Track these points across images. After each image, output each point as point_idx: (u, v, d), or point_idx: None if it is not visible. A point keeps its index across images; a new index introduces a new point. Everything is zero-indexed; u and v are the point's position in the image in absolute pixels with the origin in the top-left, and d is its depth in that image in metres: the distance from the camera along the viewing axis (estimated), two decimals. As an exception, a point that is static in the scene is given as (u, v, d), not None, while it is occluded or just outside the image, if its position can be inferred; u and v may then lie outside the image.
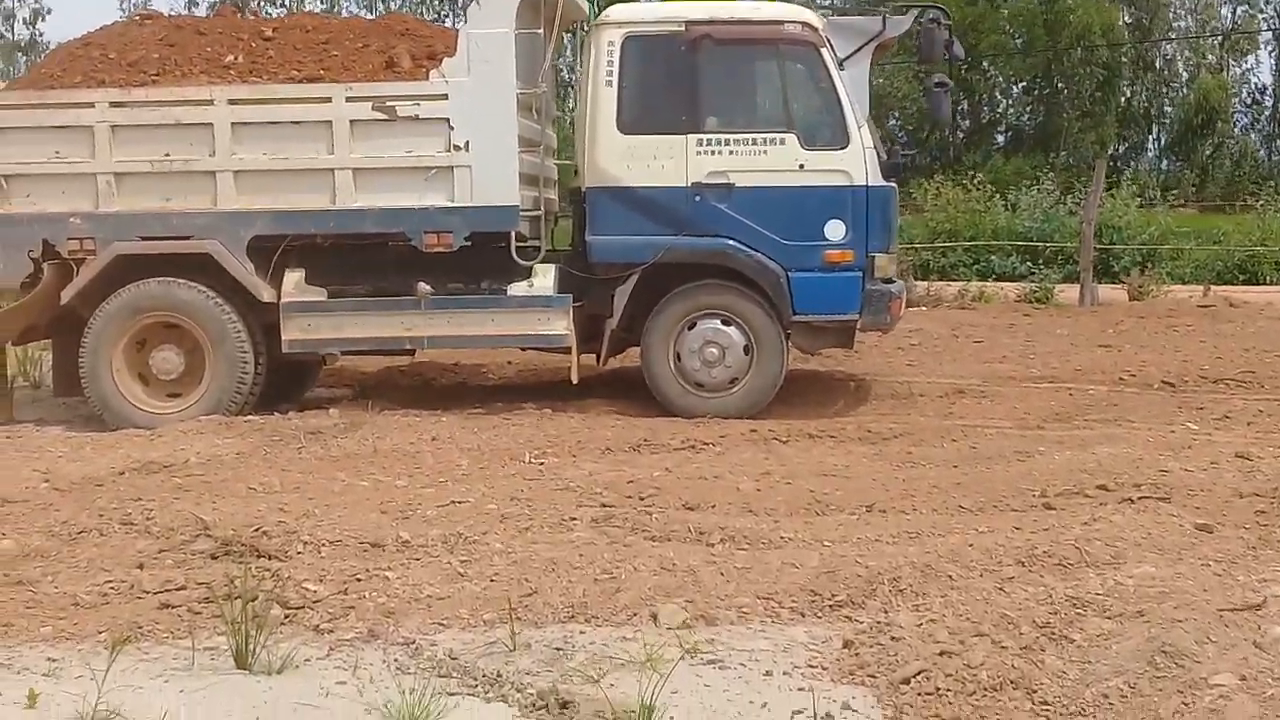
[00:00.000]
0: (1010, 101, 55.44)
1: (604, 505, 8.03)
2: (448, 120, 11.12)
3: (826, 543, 7.14)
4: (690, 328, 11.35)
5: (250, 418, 11.07)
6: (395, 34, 11.96)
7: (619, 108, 11.23)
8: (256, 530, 7.37)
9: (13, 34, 77.12)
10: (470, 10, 11.37)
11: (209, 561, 7.02)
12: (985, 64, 50.46)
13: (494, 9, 11.11)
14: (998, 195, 27.60)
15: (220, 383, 11.20)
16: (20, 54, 72.95)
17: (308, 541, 7.25)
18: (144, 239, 11.26)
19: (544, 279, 11.34)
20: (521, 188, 11.22)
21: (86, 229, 11.22)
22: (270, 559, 7.02)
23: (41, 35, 77.06)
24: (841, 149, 11.15)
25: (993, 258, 25.28)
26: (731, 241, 11.21)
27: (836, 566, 6.56)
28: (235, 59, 11.61)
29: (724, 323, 11.33)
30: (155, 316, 11.28)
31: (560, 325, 11.29)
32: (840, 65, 11.26)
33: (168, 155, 11.22)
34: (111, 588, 6.53)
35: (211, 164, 11.21)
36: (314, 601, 6.31)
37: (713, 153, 11.17)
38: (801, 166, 11.13)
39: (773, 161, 11.13)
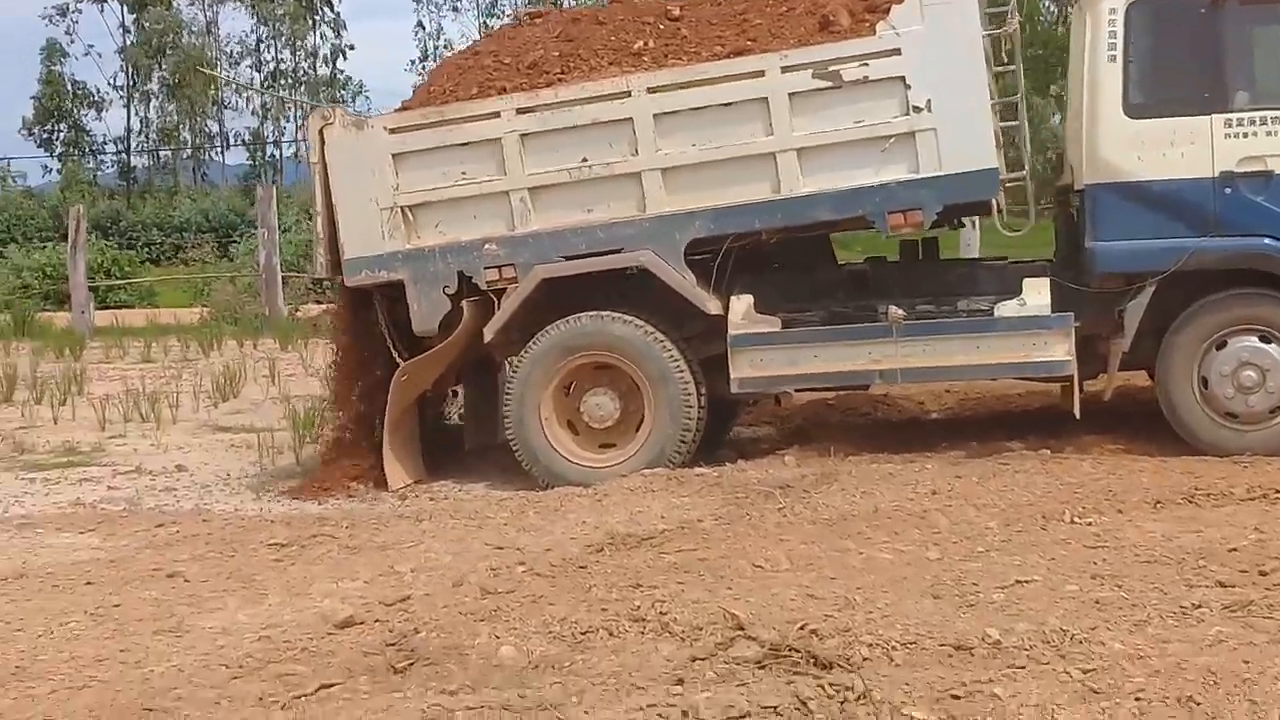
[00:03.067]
0: None
1: (1221, 584, 6.57)
2: (903, 79, 9.82)
3: None
4: (1219, 347, 9.76)
5: (700, 470, 9.93)
6: None
7: (1125, 87, 9.75)
8: (802, 628, 6.10)
9: (315, 71, 79.85)
10: None
11: (758, 672, 5.77)
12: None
13: None
14: None
15: (662, 430, 10.07)
16: (322, 89, 75.32)
17: (871, 644, 5.93)
18: (568, 258, 10.23)
19: (1038, 295, 9.87)
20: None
21: (504, 255, 10.29)
22: (833, 669, 5.72)
23: (342, 73, 79.67)
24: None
25: None
26: (1272, 241, 9.57)
27: None
28: (645, 44, 10.59)
29: (1263, 339, 9.70)
30: (587, 357, 10.23)
31: (1061, 350, 9.82)
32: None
33: (585, 160, 10.22)
34: (659, 715, 5.30)
35: (636, 164, 10.17)
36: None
37: (1245, 135, 9.59)
38: (1360, 145, 9.39)
39: (1324, 141, 9.44)
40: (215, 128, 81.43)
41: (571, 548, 7.93)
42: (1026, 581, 6.76)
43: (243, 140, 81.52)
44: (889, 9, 9.91)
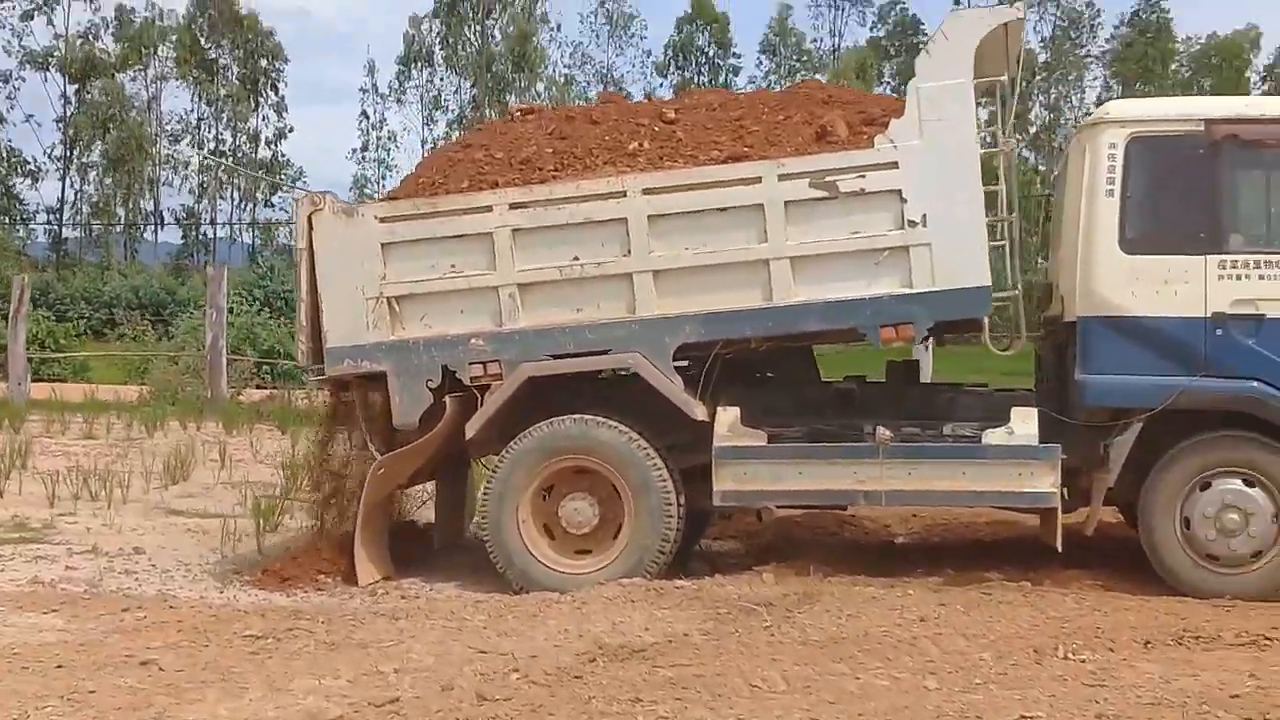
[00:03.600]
0: None
1: (1224, 733, 6.48)
2: (899, 192, 9.81)
3: None
4: (1204, 488, 9.74)
5: (678, 582, 9.80)
6: (817, 102, 10.80)
7: (1122, 222, 9.78)
8: (810, 755, 5.98)
9: (255, 153, 79.83)
10: (919, 62, 10.12)
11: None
12: None
13: (947, 57, 9.86)
14: None
15: (642, 539, 9.93)
16: (263, 172, 75.19)
17: (887, 776, 5.81)
18: (555, 357, 10.12)
19: (1026, 425, 9.85)
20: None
21: (490, 350, 10.16)
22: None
23: (284, 155, 79.66)
24: (1403, 273, 9.50)
25: None
26: (1261, 385, 9.60)
27: None
28: (641, 145, 10.56)
29: (1246, 483, 9.69)
30: (569, 460, 10.08)
31: (1046, 481, 9.78)
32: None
33: (577, 259, 10.12)
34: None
35: (627, 265, 10.08)
36: None
37: (1238, 277, 9.63)
38: (1355, 294, 9.48)
39: (1318, 288, 9.51)
40: (150, 205, 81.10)
41: (559, 656, 7.77)
42: (1031, 717, 6.70)
43: (177, 218, 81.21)
44: (887, 122, 9.96)
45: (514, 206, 10.20)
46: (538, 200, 10.21)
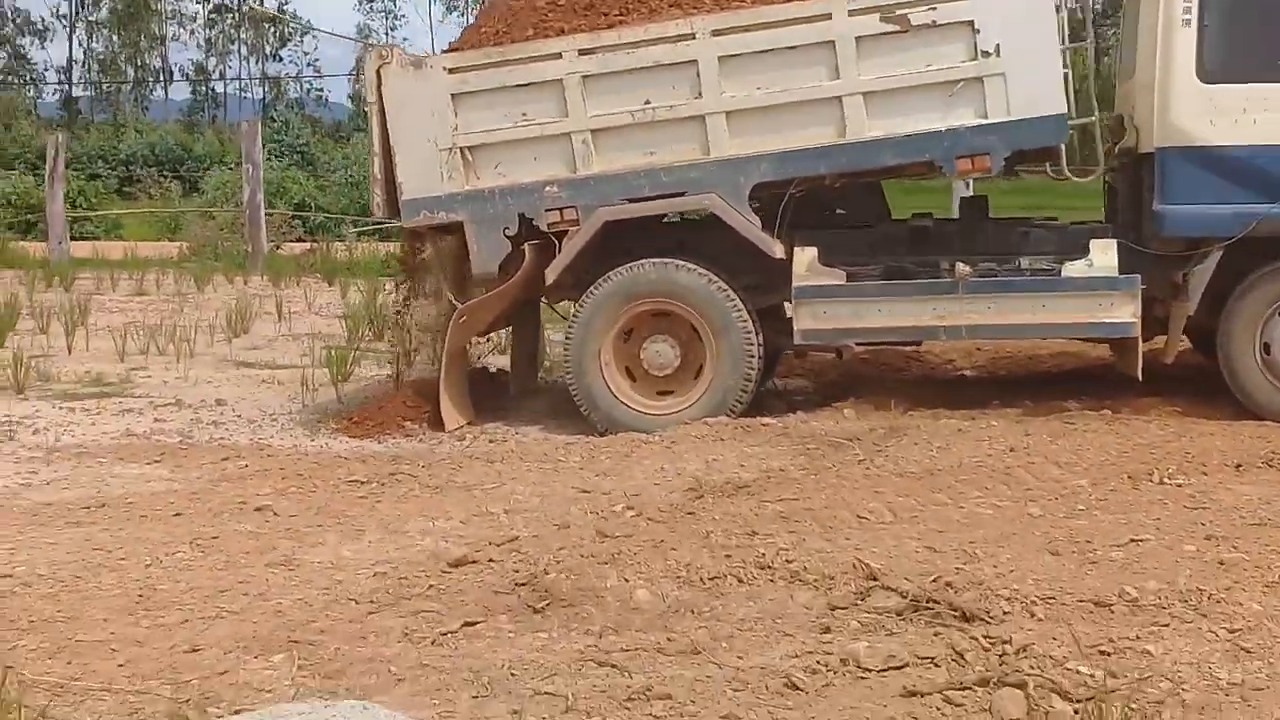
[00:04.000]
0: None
1: (1337, 549, 6.63)
2: (972, 23, 9.81)
3: None
4: (1283, 313, 9.81)
5: (764, 420, 9.96)
6: None
7: (1200, 51, 9.75)
8: (935, 580, 6.15)
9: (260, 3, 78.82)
10: None
11: (902, 623, 5.80)
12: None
13: None
14: None
15: (725, 379, 10.06)
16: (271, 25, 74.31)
17: (1009, 598, 5.98)
18: (631, 201, 10.17)
19: (1106, 256, 9.92)
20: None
21: (566, 197, 10.20)
22: (974, 621, 5.77)
23: (288, 5, 78.61)
24: None
25: None
26: (1339, 210, 9.64)
27: None
28: None
29: (1326, 307, 9.76)
30: (650, 304, 10.19)
31: (1127, 311, 9.85)
32: None
33: (648, 103, 10.14)
34: (819, 663, 5.32)
35: (699, 107, 10.10)
36: (1105, 692, 5.00)
37: (1318, 103, 9.60)
38: None
39: (1394, 113, 9.53)
40: (158, 62, 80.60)
41: (663, 494, 7.95)
42: (1140, 540, 6.83)
43: (187, 75, 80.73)
44: None
45: (583, 52, 10.18)
46: (606, 45, 10.19)
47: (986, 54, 9.78)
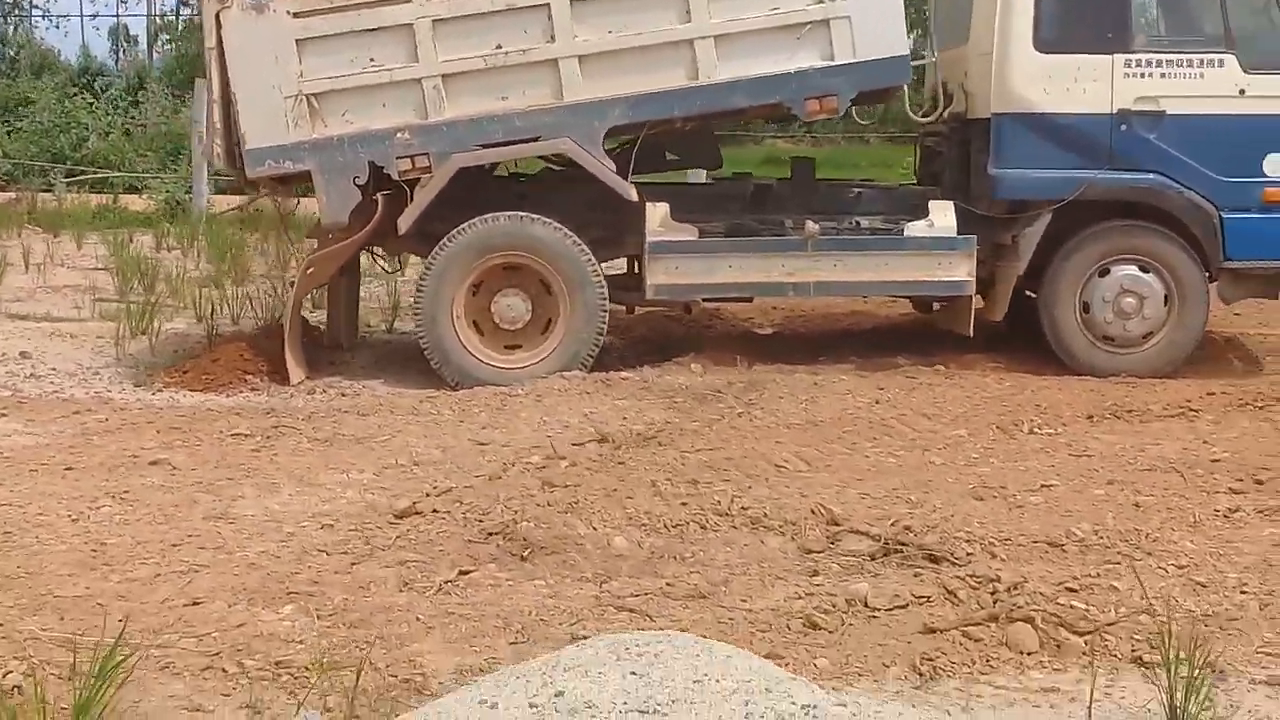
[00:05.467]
0: None
1: (1232, 491, 7.22)
2: None
3: None
4: (1102, 274, 10.46)
5: (624, 375, 10.09)
6: None
7: (1036, 23, 10.28)
8: (894, 524, 6.50)
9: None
10: None
11: (878, 565, 6.11)
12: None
13: None
14: None
15: (577, 334, 10.17)
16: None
17: (968, 539, 6.35)
18: (484, 146, 10.18)
19: (944, 217, 10.40)
20: None
21: (418, 144, 10.12)
22: (943, 563, 6.11)
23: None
24: (1289, 72, 10.31)
25: None
26: (1159, 177, 10.35)
27: None
28: None
29: (1142, 269, 10.44)
30: (503, 257, 10.19)
31: (963, 270, 10.36)
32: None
33: (499, 47, 10.13)
34: (830, 604, 5.58)
35: (552, 50, 10.14)
36: (1105, 624, 5.40)
37: (1142, 75, 10.28)
38: (1242, 92, 10.25)
39: (1210, 86, 10.27)
40: None
41: (561, 445, 8.00)
42: (1050, 486, 7.31)
43: None
44: None
45: None
46: None
47: None
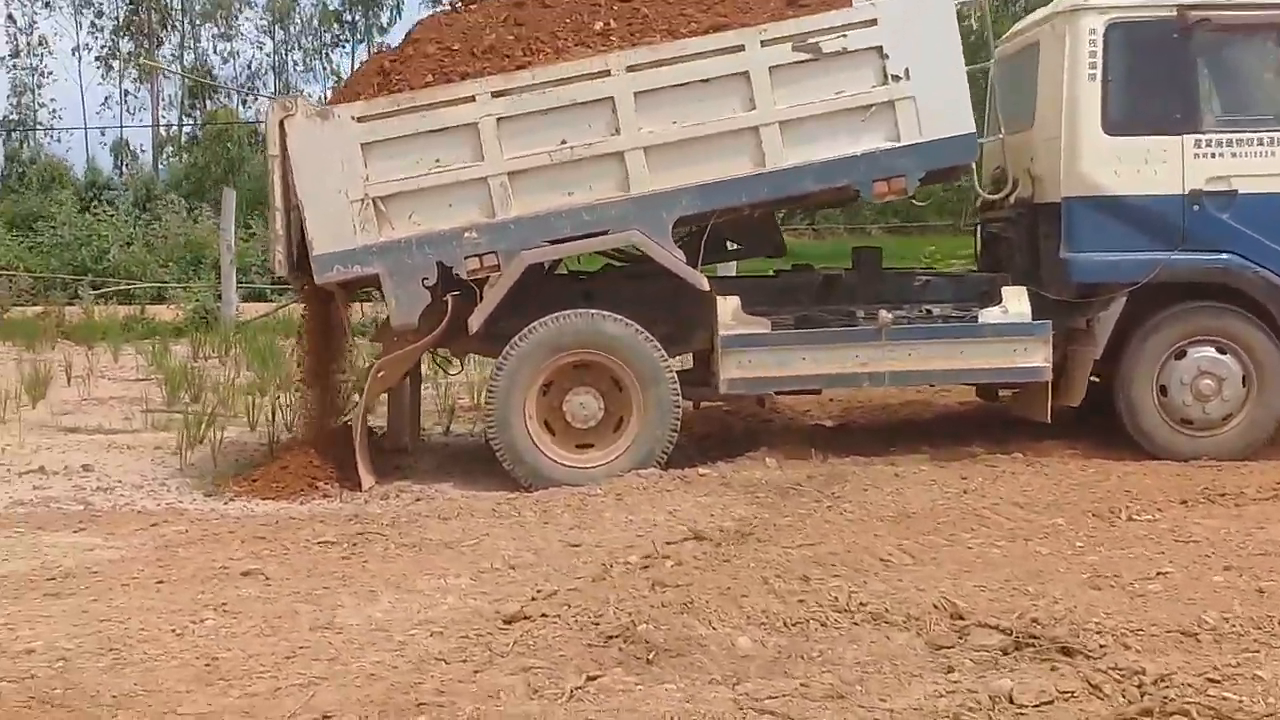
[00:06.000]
0: None
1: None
2: (880, 48, 10.14)
3: None
4: (1179, 357, 10.39)
5: (700, 470, 9.98)
6: None
7: (1105, 105, 10.29)
8: (1020, 617, 6.33)
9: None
10: None
11: (1012, 660, 5.95)
12: None
13: None
14: None
15: (651, 431, 10.06)
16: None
17: (1099, 631, 6.18)
18: (552, 243, 10.14)
19: (1018, 303, 10.33)
20: None
21: (485, 242, 10.07)
22: (1074, 655, 5.95)
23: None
24: (1365, 149, 10.29)
25: None
26: (1234, 256, 10.30)
27: None
28: (608, 24, 10.54)
29: (1219, 351, 10.37)
30: (575, 355, 10.11)
31: (1039, 356, 10.29)
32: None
33: (565, 142, 10.11)
34: (964, 707, 5.44)
35: (618, 143, 10.12)
36: (1266, 716, 5.24)
37: (1213, 155, 10.27)
38: (1315, 169, 10.22)
39: (1282, 164, 10.22)
40: None
41: (653, 545, 7.85)
42: (1166, 574, 7.15)
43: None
44: None
45: (496, 94, 10.10)
46: (521, 86, 10.13)
47: (896, 78, 10.11)
